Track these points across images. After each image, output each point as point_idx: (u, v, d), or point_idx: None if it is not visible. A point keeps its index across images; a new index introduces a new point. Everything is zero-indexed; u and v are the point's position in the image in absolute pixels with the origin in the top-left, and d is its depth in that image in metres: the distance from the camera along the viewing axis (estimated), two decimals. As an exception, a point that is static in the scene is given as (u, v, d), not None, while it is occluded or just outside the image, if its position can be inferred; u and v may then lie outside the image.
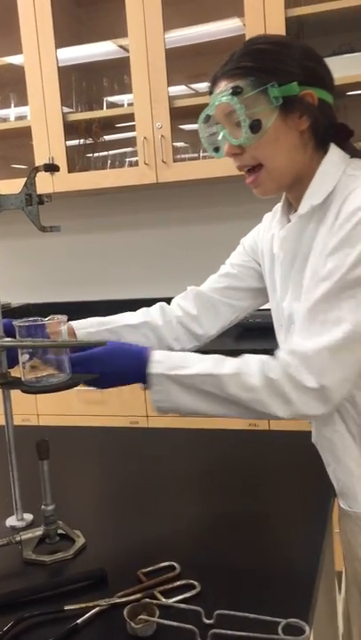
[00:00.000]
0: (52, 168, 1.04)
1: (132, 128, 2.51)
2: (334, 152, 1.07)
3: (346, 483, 1.11)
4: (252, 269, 1.29)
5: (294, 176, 1.07)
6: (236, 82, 1.01)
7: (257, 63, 1.01)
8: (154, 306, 1.31)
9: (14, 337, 1.01)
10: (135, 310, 1.31)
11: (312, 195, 1.05)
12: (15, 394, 1.03)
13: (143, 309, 1.30)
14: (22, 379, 1.00)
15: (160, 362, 1.00)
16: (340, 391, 0.96)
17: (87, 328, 1.24)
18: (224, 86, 1.03)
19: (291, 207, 1.15)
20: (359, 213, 0.95)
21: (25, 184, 1.01)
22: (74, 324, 1.24)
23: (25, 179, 1.02)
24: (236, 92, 1.00)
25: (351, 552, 1.15)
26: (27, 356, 0.99)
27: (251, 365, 0.99)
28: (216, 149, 1.11)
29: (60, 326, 1.03)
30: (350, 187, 1.01)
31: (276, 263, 1.17)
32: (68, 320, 1.13)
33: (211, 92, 1.07)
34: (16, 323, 1.00)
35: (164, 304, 1.31)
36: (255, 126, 1.00)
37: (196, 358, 1.02)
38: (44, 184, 2.57)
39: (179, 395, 0.99)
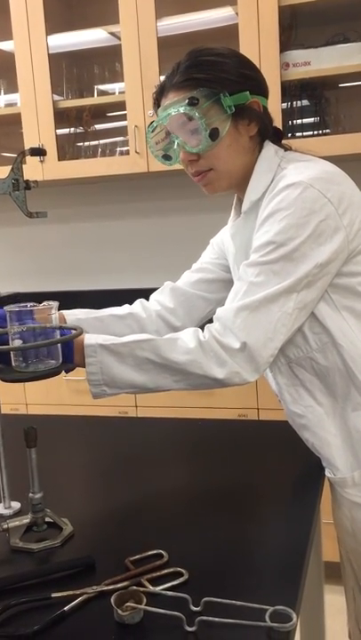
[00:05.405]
0: (38, 152, 1.03)
1: (123, 117, 2.49)
2: (269, 149, 1.12)
3: (325, 454, 1.15)
4: (221, 265, 1.34)
5: (243, 176, 1.12)
6: (187, 93, 1.05)
7: (206, 74, 1.05)
8: (135, 302, 1.34)
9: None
10: (123, 300, 1.35)
11: (252, 191, 1.11)
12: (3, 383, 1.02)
13: (126, 305, 1.34)
14: (12, 365, 0.99)
15: (95, 335, 1.03)
16: (265, 351, 1.00)
17: (76, 315, 1.27)
18: (174, 97, 1.06)
19: (241, 205, 1.19)
20: (286, 190, 1.01)
21: (12, 169, 1.00)
22: (63, 311, 1.26)
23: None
24: (192, 102, 1.04)
25: (338, 523, 1.18)
26: (19, 342, 0.98)
27: (185, 332, 1.04)
28: (165, 157, 1.15)
29: (50, 312, 1.03)
30: (281, 174, 1.07)
31: (233, 259, 1.23)
32: (58, 309, 1.13)
33: (158, 103, 1.11)
34: (7, 308, 1.00)
35: (143, 300, 1.35)
36: (214, 134, 1.05)
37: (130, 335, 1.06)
38: (34, 171, 2.55)
39: (113, 365, 1.01)
